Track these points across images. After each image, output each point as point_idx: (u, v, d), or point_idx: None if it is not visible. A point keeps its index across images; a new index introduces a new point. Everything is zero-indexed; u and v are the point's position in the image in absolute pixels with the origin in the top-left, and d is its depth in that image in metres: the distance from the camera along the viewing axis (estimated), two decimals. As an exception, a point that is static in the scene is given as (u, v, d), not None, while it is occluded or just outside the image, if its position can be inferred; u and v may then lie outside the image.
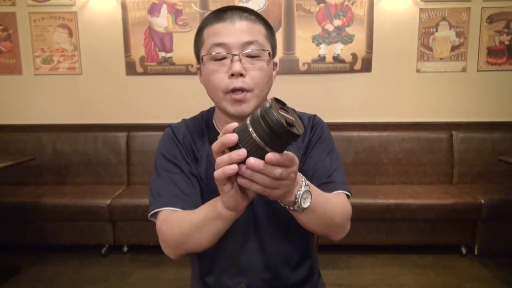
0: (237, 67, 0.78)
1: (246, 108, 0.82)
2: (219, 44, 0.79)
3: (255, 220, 0.89)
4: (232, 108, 0.82)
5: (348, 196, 0.88)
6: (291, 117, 0.53)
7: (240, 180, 0.56)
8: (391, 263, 2.45)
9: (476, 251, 2.50)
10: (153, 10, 2.87)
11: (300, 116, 0.94)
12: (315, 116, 0.96)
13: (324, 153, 0.91)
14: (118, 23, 2.89)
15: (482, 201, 2.43)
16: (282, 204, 0.67)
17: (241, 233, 0.89)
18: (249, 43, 0.79)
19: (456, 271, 2.35)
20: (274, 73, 0.89)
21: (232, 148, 0.54)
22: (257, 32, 0.81)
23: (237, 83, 0.79)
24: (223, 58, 0.80)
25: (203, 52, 0.83)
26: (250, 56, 0.80)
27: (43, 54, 2.94)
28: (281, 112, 0.52)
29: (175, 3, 2.86)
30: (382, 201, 2.46)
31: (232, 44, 0.79)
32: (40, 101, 3.00)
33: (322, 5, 2.84)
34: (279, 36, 2.87)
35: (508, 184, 2.75)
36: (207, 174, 0.88)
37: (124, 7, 2.86)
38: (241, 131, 0.53)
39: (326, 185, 0.85)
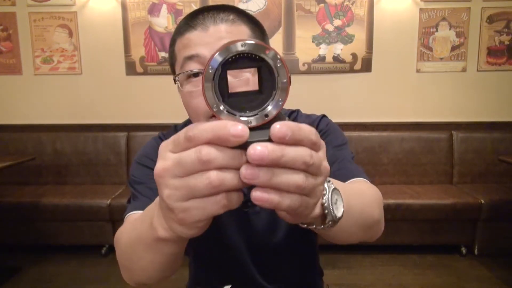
0: None
1: None
2: (191, 57, 0.65)
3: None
4: None
5: None
6: None
7: (260, 196, 0.33)
8: (391, 263, 2.45)
9: (476, 251, 2.50)
10: (153, 10, 2.87)
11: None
12: (323, 116, 0.84)
13: (336, 147, 0.78)
14: (118, 23, 2.89)
15: (482, 201, 2.43)
16: (304, 226, 0.43)
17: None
18: None
19: (456, 271, 2.35)
20: None
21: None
22: (237, 34, 0.65)
23: None
24: (199, 73, 0.65)
25: (177, 69, 0.69)
26: None
27: (43, 54, 2.94)
28: None
29: (175, 3, 2.86)
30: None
31: (207, 55, 0.63)
32: (40, 101, 3.00)
33: (322, 5, 2.84)
34: (279, 36, 2.87)
35: (508, 184, 2.75)
36: None
37: (124, 7, 2.86)
38: None
39: (342, 172, 0.71)
